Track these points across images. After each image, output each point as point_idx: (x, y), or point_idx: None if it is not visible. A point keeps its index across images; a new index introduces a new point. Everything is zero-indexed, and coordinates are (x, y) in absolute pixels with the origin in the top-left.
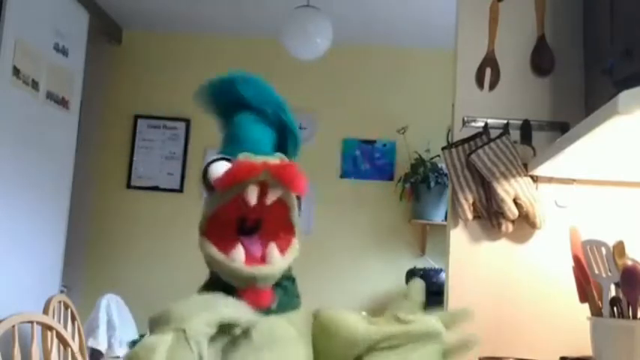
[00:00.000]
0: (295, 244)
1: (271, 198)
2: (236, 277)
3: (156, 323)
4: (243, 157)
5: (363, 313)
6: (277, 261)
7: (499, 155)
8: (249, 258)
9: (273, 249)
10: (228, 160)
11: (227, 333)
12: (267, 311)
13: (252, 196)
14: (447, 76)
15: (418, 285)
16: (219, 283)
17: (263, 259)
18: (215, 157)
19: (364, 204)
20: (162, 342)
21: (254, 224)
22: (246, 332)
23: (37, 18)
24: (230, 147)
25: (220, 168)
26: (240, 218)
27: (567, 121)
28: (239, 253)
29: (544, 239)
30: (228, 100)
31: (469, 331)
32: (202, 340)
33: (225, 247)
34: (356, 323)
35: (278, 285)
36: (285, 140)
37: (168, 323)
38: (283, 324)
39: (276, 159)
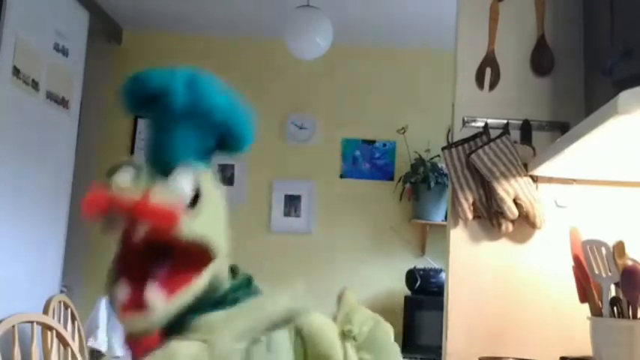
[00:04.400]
0: (207, 271)
1: (138, 235)
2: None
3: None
4: (104, 186)
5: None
6: (158, 308)
7: (499, 155)
8: (130, 302)
9: (153, 293)
10: (133, 166)
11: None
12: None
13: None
14: (447, 76)
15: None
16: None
17: (144, 304)
18: (119, 163)
19: (364, 204)
20: (184, 351)
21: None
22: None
23: (37, 18)
24: (146, 151)
25: (119, 179)
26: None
27: (567, 121)
28: (121, 293)
29: (544, 239)
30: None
31: (469, 332)
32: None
33: (116, 277)
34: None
35: (221, 304)
36: (230, 137)
37: (194, 330)
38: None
39: (140, 189)
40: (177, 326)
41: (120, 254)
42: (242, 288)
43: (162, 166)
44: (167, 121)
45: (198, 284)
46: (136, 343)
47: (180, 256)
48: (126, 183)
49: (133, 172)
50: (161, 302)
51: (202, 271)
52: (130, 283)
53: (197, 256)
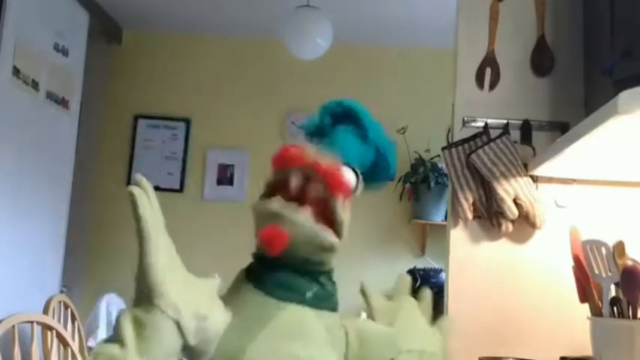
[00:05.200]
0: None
1: (312, 193)
2: (260, 213)
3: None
4: (299, 144)
5: (364, 314)
6: (304, 214)
7: (499, 155)
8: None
9: (306, 208)
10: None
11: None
12: (300, 300)
13: (294, 182)
14: (447, 76)
15: (406, 280)
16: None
17: None
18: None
19: (364, 204)
20: (127, 318)
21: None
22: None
23: (37, 18)
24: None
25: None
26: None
27: (567, 121)
28: (276, 198)
29: (544, 239)
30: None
31: (469, 332)
32: (180, 310)
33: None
34: (387, 335)
35: (313, 278)
36: (377, 167)
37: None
38: (312, 318)
39: (331, 159)
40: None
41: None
42: (329, 277)
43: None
44: (348, 130)
45: (324, 234)
46: (269, 229)
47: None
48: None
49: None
50: (308, 215)
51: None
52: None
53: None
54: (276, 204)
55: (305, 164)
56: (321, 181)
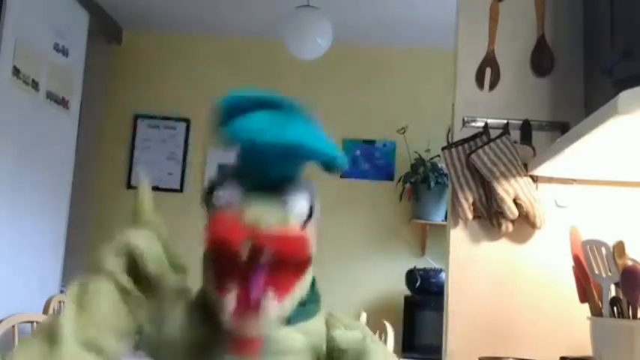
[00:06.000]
0: (305, 279)
1: (264, 259)
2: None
3: None
4: (232, 212)
5: (364, 314)
6: (272, 310)
7: (499, 155)
8: (241, 305)
9: (268, 298)
10: (234, 183)
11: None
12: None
13: (242, 253)
14: (447, 76)
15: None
16: None
17: (257, 306)
18: (221, 180)
19: (364, 204)
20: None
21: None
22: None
23: (37, 18)
24: (241, 166)
25: (225, 197)
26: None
27: (567, 121)
28: (230, 300)
29: (544, 239)
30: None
31: (469, 332)
32: (116, 271)
33: (222, 285)
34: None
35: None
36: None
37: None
38: (292, 335)
39: (274, 215)
40: None
41: (220, 266)
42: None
43: (261, 179)
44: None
45: (302, 286)
46: (239, 342)
47: (282, 262)
48: (233, 200)
49: (236, 189)
50: (275, 305)
51: (302, 273)
52: (238, 290)
53: (298, 263)
54: (237, 322)
55: (244, 239)
56: (271, 250)
